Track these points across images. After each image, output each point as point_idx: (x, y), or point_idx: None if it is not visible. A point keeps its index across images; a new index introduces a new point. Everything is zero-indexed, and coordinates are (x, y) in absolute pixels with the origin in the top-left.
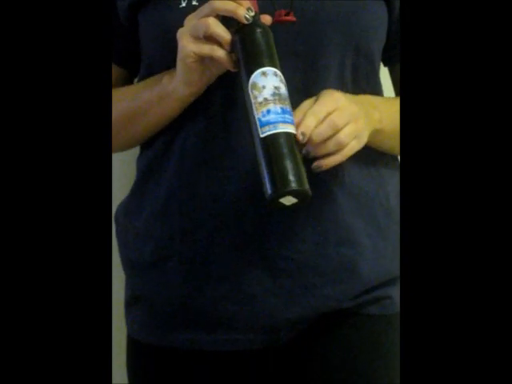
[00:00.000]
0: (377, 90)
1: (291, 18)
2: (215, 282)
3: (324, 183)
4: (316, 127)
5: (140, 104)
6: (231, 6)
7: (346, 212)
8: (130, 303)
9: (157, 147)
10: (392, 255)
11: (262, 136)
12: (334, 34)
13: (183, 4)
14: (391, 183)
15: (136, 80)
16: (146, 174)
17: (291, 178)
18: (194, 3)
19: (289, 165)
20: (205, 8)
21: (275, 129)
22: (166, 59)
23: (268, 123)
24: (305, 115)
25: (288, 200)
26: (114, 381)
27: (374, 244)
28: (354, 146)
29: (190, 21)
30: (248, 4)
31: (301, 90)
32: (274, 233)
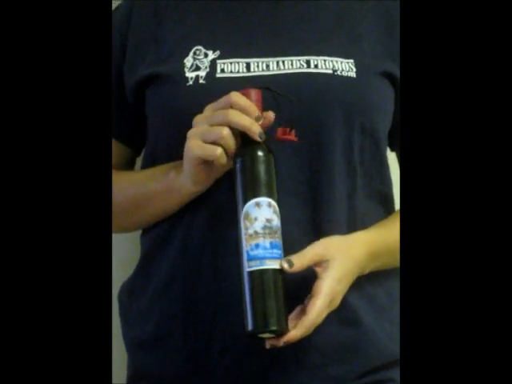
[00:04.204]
0: (383, 174)
1: (292, 137)
2: (217, 357)
3: None
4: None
5: (146, 194)
6: (247, 121)
7: (349, 291)
8: (133, 383)
9: (160, 229)
10: (397, 336)
11: (248, 270)
12: (337, 114)
13: (190, 82)
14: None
15: (141, 157)
16: (149, 255)
17: (271, 319)
18: (201, 82)
19: (270, 305)
20: (219, 116)
21: (261, 265)
22: (171, 138)
23: (255, 258)
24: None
25: (266, 335)
26: None
27: (377, 324)
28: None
29: (201, 123)
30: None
31: (307, 176)
32: None
